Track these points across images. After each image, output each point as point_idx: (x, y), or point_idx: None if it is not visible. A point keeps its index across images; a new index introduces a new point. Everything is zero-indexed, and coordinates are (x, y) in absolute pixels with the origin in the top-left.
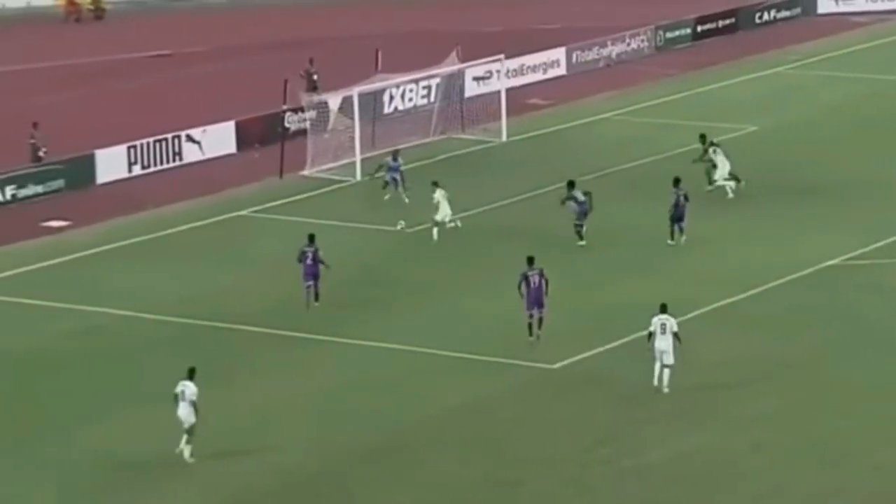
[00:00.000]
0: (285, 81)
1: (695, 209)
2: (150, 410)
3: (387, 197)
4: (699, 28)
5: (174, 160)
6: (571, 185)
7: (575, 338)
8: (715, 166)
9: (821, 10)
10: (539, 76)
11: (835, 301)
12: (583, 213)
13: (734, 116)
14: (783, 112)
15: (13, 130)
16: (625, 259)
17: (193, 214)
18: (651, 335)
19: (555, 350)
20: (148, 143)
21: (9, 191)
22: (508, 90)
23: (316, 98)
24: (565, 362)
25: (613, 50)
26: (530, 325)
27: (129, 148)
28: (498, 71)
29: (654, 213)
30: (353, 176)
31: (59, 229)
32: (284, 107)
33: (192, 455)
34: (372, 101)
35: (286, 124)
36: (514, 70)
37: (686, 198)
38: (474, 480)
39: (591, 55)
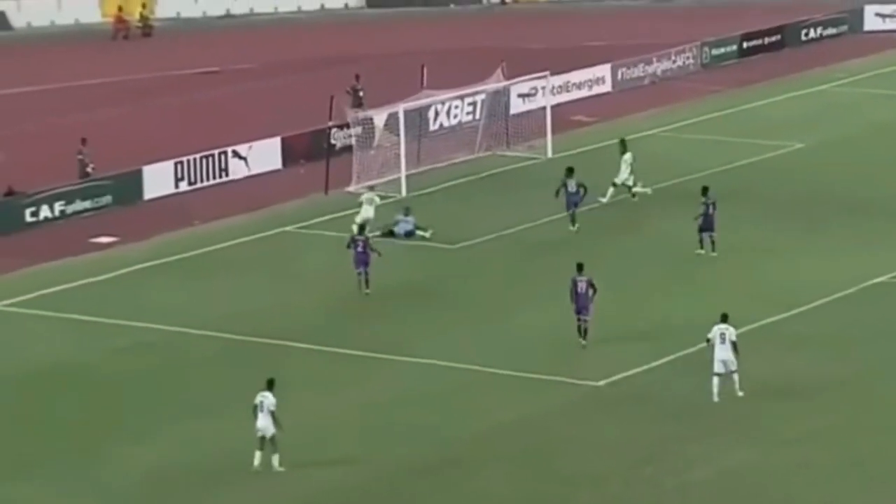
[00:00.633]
0: (331, 98)
1: (739, 225)
2: (198, 426)
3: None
4: (745, 45)
5: (221, 176)
6: (570, 171)
7: (620, 355)
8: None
9: (867, 27)
10: (584, 93)
11: (881, 319)
12: (572, 203)
13: (780, 133)
14: (829, 129)
15: (61, 147)
16: (671, 275)
17: (239, 230)
18: (710, 343)
19: (600, 367)
20: (195, 159)
21: (57, 207)
22: (553, 107)
23: (361, 114)
24: (611, 379)
25: (659, 67)
26: (579, 328)
27: (176, 164)
28: (543, 88)
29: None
30: (399, 192)
31: (107, 245)
32: (330, 123)
33: (280, 463)
34: (417, 118)
35: (332, 140)
36: (560, 87)
37: (714, 206)
38: (521, 497)
39: (636, 72)
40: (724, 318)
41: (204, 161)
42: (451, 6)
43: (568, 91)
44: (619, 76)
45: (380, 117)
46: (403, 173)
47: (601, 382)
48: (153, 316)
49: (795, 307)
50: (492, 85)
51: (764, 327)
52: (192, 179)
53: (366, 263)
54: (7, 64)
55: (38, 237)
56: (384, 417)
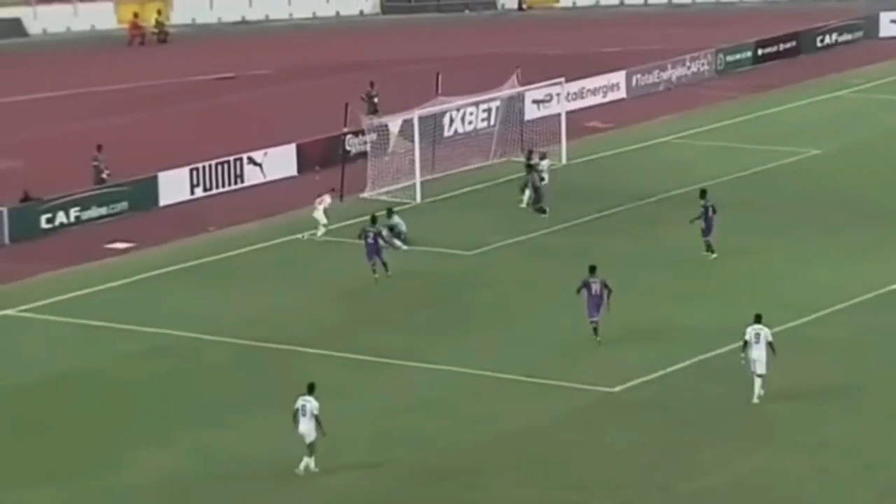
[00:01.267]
0: (346, 104)
1: (755, 231)
2: (212, 432)
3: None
4: (760, 51)
5: (236, 182)
6: (543, 156)
7: (633, 360)
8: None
9: (882, 33)
10: (599, 99)
11: None
12: (538, 198)
13: (796, 140)
14: (846, 135)
15: (77, 153)
16: (685, 282)
17: (254, 236)
18: (745, 345)
19: (613, 373)
20: (210, 166)
21: (73, 213)
22: (568, 113)
23: (376, 121)
24: (625, 385)
25: (674, 73)
26: (594, 329)
27: (191, 170)
28: (558, 94)
29: (716, 237)
30: (413, 198)
31: (123, 251)
32: (345, 129)
33: (316, 465)
34: (432, 124)
35: (347, 147)
36: (574, 93)
37: (714, 209)
38: (533, 503)
39: (650, 78)
40: (758, 319)
41: (219, 167)
42: (466, 12)
43: (583, 97)
44: (634, 82)
45: (395, 124)
46: (418, 180)
47: (614, 389)
48: (168, 322)
49: (811, 313)
50: (506, 91)
51: (781, 333)
52: (208, 186)
53: (377, 252)
54: (23, 70)
55: (54, 243)
56: (397, 423)
